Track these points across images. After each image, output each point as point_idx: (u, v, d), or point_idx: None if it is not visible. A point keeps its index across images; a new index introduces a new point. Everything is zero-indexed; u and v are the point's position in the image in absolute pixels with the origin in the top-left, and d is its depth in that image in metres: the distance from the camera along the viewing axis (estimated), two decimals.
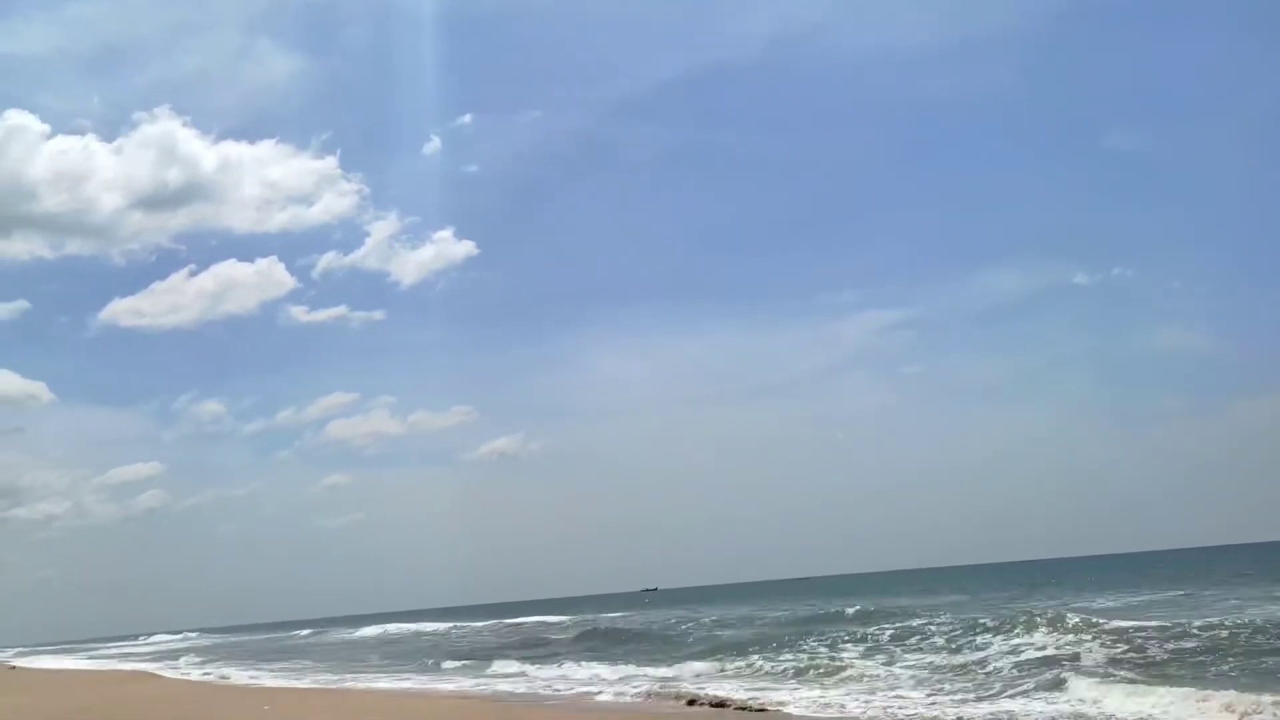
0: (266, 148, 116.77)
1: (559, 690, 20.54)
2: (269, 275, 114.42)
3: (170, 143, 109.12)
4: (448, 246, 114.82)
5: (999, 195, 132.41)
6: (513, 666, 27.03)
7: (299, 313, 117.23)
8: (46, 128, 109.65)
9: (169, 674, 34.47)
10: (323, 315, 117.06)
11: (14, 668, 48.62)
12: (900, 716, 14.20)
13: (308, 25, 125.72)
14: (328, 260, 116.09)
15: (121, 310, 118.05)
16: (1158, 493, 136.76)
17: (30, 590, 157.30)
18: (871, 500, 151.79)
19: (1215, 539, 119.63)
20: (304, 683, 26.83)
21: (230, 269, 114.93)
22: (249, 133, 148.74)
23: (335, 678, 27.88)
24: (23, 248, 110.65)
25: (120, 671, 39.35)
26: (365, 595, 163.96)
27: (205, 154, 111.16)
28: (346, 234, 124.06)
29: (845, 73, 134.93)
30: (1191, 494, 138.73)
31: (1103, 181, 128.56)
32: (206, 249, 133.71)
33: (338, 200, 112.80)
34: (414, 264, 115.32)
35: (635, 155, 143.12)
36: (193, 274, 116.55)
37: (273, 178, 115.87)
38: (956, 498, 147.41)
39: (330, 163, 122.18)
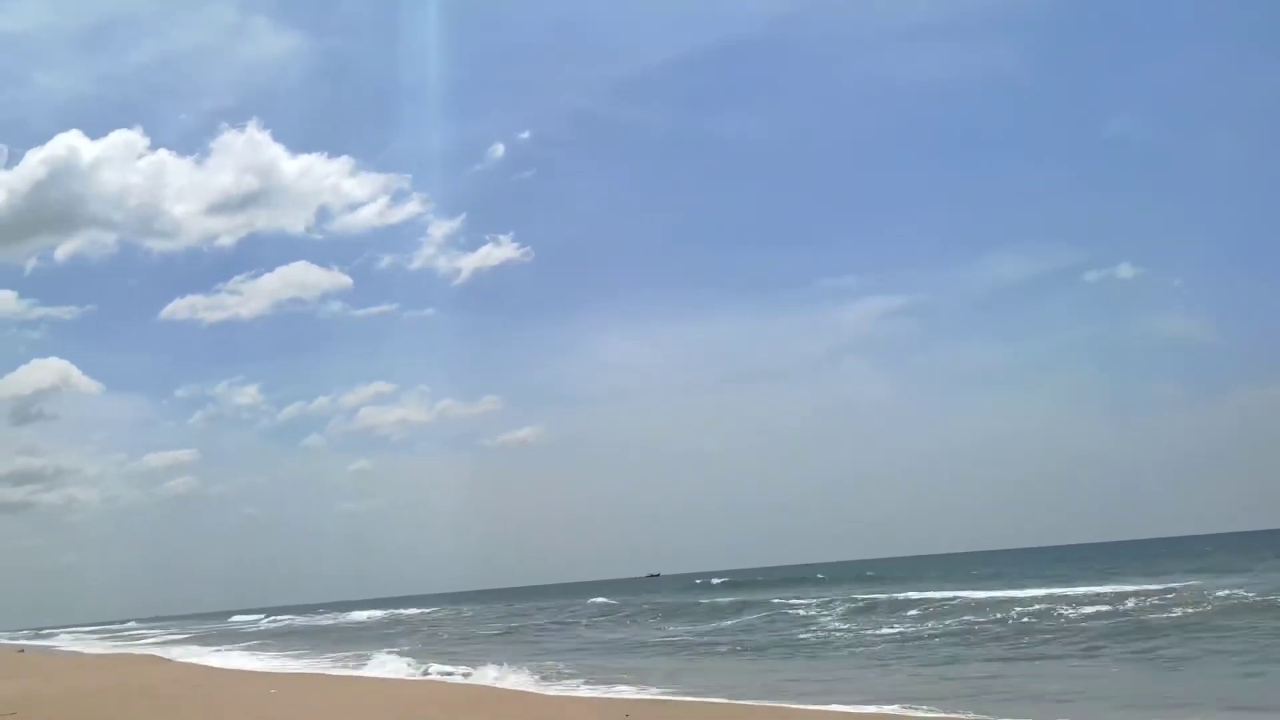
0: (310, 149, 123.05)
1: None
2: (324, 276, 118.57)
3: (250, 148, 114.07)
4: (495, 246, 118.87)
5: (1000, 181, 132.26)
6: None
7: (349, 310, 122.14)
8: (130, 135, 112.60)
9: (178, 658, 34.74)
10: (372, 311, 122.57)
11: (23, 650, 48.99)
12: None
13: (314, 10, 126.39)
14: (383, 261, 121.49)
15: (178, 308, 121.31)
16: (1157, 480, 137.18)
17: (52, 574, 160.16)
18: (872, 487, 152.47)
19: (1216, 526, 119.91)
20: (313, 667, 27.02)
21: (290, 271, 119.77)
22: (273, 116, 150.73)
23: (344, 661, 28.09)
24: (89, 247, 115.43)
25: (129, 655, 39.66)
26: (378, 579, 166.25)
27: (270, 159, 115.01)
28: (398, 237, 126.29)
29: (848, 53, 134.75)
30: (1192, 481, 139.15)
31: (1105, 169, 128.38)
32: (269, 251, 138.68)
33: (380, 203, 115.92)
34: (461, 264, 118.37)
35: (635, 138, 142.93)
36: (254, 275, 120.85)
37: (323, 180, 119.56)
38: (957, 485, 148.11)
39: (349, 162, 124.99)
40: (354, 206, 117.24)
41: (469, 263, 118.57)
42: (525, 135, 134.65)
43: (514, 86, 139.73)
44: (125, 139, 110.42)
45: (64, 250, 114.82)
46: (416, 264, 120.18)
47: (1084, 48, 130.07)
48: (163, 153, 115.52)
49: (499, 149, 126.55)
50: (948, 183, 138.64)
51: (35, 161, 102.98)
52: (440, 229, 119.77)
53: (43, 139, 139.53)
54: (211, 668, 29.13)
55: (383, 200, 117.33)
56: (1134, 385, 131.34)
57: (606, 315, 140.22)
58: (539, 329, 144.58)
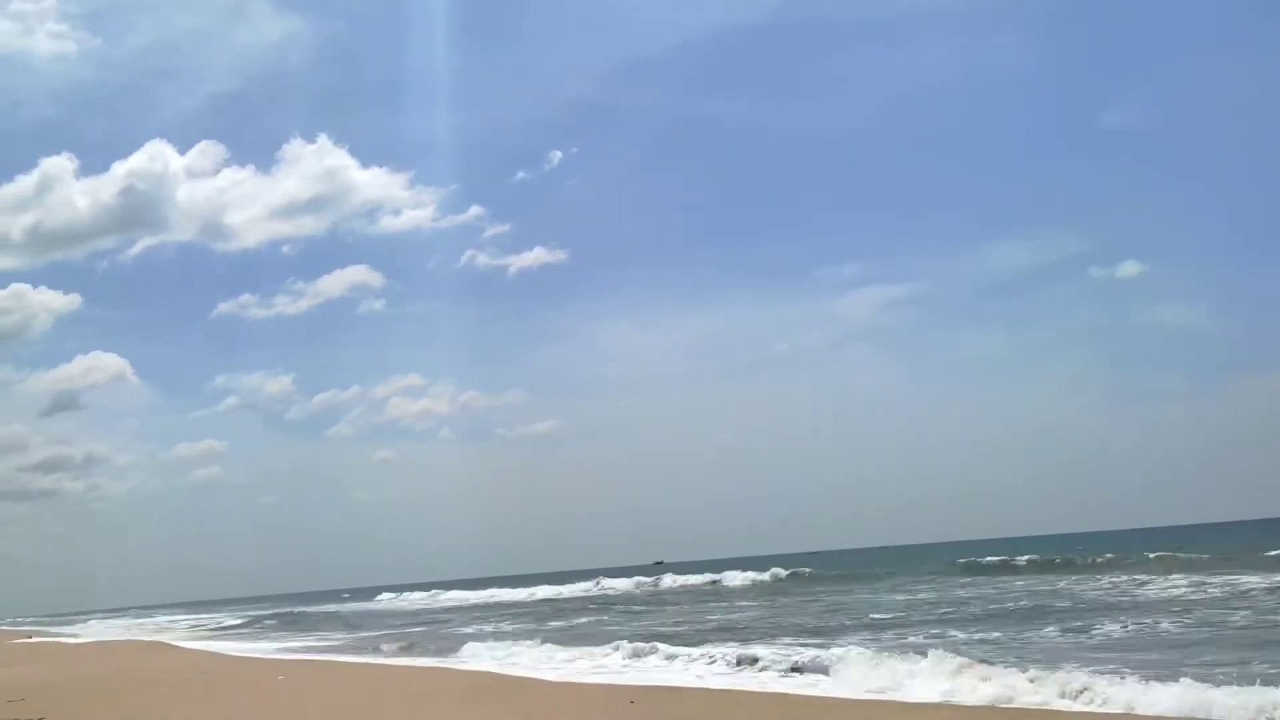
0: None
1: None
2: (371, 277, 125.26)
3: (319, 159, 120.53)
4: (546, 250, 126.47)
5: (1003, 170, 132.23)
6: None
7: (390, 308, 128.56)
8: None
9: (186, 645, 35.02)
10: (412, 309, 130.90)
11: (31, 637, 49.35)
12: None
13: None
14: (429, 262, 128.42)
15: (229, 307, 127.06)
16: (1159, 470, 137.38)
17: (73, 561, 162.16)
18: (873, 476, 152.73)
19: (1216, 516, 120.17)
20: (323, 655, 27.26)
21: (340, 273, 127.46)
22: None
23: (351, 649, 28.36)
24: (151, 251, 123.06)
25: (137, 642, 39.95)
26: (393, 567, 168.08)
27: (328, 167, 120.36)
28: (444, 241, 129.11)
29: (852, 41, 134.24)
30: (1193, 471, 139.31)
31: (1108, 160, 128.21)
32: (319, 254, 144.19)
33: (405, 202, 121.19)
34: (502, 264, 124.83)
35: (636, 123, 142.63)
36: (306, 278, 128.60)
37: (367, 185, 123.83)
38: (958, 475, 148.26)
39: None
40: (398, 210, 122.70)
41: (510, 263, 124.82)
42: (535, 130, 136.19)
43: (517, 77, 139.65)
44: (204, 149, 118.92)
45: (129, 254, 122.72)
46: (458, 265, 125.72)
47: (1088, 38, 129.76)
48: (236, 163, 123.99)
49: (511, 148, 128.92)
50: (950, 171, 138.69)
51: (121, 172, 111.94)
52: (488, 232, 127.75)
53: (42, 129, 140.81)
54: (220, 654, 29.37)
55: (430, 207, 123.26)
56: (1136, 375, 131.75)
57: (613, 306, 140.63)
58: (556, 323, 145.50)
